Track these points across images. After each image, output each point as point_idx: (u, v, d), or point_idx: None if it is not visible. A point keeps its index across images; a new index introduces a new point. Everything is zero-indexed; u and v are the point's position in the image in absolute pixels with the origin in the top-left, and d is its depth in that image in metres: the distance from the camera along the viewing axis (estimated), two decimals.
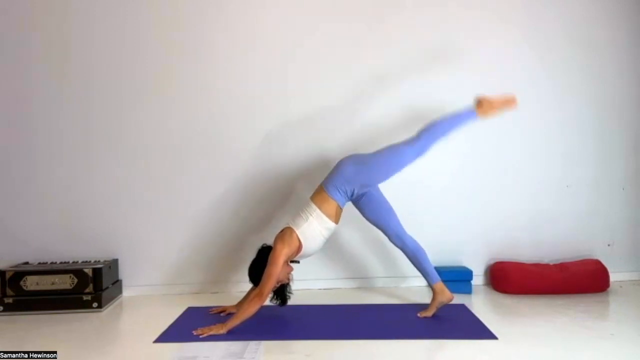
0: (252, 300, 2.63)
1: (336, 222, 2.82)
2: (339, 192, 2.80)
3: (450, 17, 3.62)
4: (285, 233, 2.75)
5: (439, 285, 2.91)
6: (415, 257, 2.94)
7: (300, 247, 2.75)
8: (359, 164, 2.85)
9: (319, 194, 2.83)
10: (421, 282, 3.63)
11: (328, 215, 2.78)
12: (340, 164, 2.87)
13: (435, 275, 2.93)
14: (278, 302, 2.83)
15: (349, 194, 2.82)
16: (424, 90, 3.61)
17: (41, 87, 3.51)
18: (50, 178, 3.51)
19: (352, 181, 2.80)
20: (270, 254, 2.69)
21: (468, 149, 3.65)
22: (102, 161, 3.53)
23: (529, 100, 3.65)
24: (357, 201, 2.94)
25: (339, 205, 2.81)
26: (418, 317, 2.86)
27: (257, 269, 2.73)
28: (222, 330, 2.61)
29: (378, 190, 2.96)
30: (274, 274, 2.63)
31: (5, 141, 3.51)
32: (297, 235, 2.73)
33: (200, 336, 2.59)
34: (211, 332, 2.61)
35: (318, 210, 2.77)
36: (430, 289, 2.96)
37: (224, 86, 3.56)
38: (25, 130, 3.52)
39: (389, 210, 2.95)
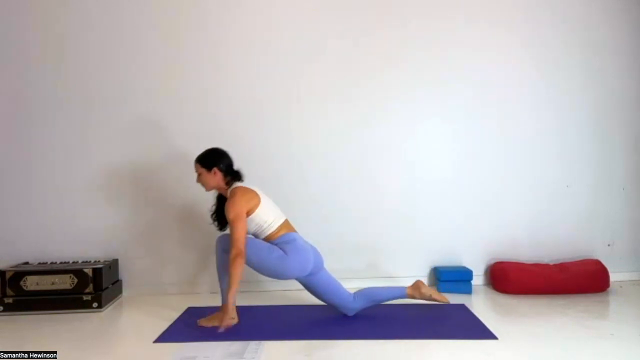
0: (234, 262, 2.60)
1: (262, 239, 2.81)
2: (285, 242, 2.77)
3: (449, 21, 3.62)
4: (249, 191, 2.78)
5: (409, 290, 2.91)
6: (373, 300, 2.91)
7: (254, 209, 2.73)
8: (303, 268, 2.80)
9: (288, 224, 2.87)
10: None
11: (270, 234, 2.79)
12: (303, 255, 2.78)
13: (397, 290, 2.92)
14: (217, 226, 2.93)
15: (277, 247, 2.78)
16: (426, 93, 3.63)
17: (40, 87, 3.51)
18: (50, 178, 3.52)
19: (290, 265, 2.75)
20: (227, 213, 2.69)
21: (469, 149, 3.65)
22: (102, 162, 3.54)
23: (529, 101, 3.67)
24: (307, 285, 2.90)
25: (273, 240, 2.79)
26: (418, 317, 2.87)
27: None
28: (227, 313, 2.64)
29: (324, 270, 2.92)
30: (241, 231, 2.65)
31: (5, 141, 3.52)
32: (258, 201, 2.76)
33: (220, 330, 2.59)
34: (224, 323, 2.62)
35: (275, 228, 2.79)
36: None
37: (227, 87, 3.56)
38: (25, 130, 3.52)
39: (335, 286, 2.89)
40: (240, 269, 2.63)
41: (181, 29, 3.55)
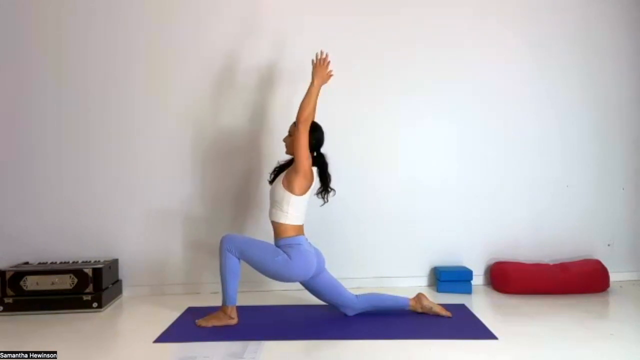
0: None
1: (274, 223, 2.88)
2: (289, 245, 2.80)
3: (449, 21, 3.63)
4: (311, 180, 2.85)
5: (412, 302, 2.91)
6: (376, 306, 2.92)
7: (297, 191, 2.79)
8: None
9: (301, 228, 2.90)
10: (416, 282, 3.65)
11: (282, 227, 2.83)
12: (307, 259, 2.80)
13: (401, 300, 2.92)
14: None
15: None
16: (426, 93, 3.63)
17: (39, 87, 3.51)
18: (49, 178, 3.51)
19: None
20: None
21: (469, 149, 3.65)
22: (102, 161, 3.53)
23: (528, 101, 3.67)
24: (309, 286, 2.92)
25: (281, 238, 2.84)
26: (418, 317, 2.87)
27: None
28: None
29: (326, 271, 2.94)
30: (305, 144, 2.78)
31: (5, 142, 3.51)
32: (304, 192, 2.82)
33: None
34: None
35: (288, 223, 2.82)
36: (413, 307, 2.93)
37: (223, 87, 3.56)
38: (25, 130, 3.51)
39: (337, 286, 2.91)
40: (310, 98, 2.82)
41: (179, 28, 3.54)
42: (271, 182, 3.01)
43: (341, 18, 3.59)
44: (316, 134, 2.90)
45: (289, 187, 2.80)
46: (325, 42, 3.55)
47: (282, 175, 2.89)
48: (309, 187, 2.86)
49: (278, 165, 3.05)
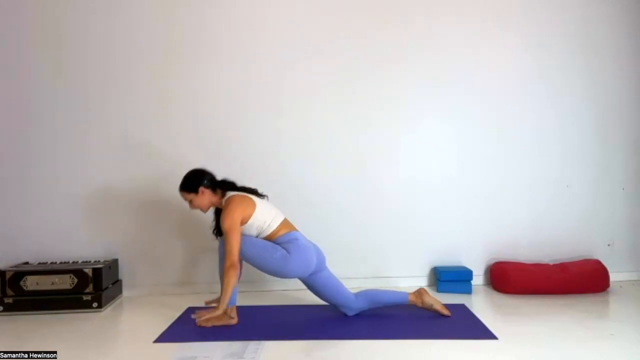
0: (228, 273, 2.63)
1: (264, 238, 2.82)
2: (287, 241, 2.78)
3: (449, 21, 3.63)
4: (243, 199, 2.77)
5: (411, 296, 2.91)
6: (374, 302, 2.92)
7: (251, 214, 2.74)
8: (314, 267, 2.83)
9: (288, 223, 2.88)
10: (416, 282, 3.65)
11: (271, 233, 2.80)
12: (306, 254, 2.78)
13: (400, 295, 2.92)
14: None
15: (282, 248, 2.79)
16: (426, 93, 3.63)
17: (39, 87, 3.51)
18: (49, 178, 3.51)
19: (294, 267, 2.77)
20: (222, 223, 2.70)
21: (469, 149, 3.65)
22: (102, 161, 3.54)
23: (528, 101, 3.68)
24: (309, 283, 2.91)
25: (275, 239, 2.80)
26: (418, 317, 2.87)
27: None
28: (218, 311, 2.65)
29: (327, 269, 2.93)
30: (234, 242, 2.65)
31: (5, 141, 3.52)
32: (253, 207, 2.75)
33: (200, 324, 2.73)
34: (213, 320, 2.71)
35: (275, 227, 2.80)
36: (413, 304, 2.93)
37: (223, 87, 3.56)
38: (25, 130, 3.52)
39: (338, 285, 2.91)
40: (233, 280, 2.65)
41: (180, 29, 3.54)
42: (219, 235, 2.94)
43: (341, 20, 3.59)
44: (205, 178, 2.86)
45: (242, 223, 2.74)
46: (327, 44, 3.58)
47: None
48: (253, 205, 2.78)
49: (212, 227, 2.99)
